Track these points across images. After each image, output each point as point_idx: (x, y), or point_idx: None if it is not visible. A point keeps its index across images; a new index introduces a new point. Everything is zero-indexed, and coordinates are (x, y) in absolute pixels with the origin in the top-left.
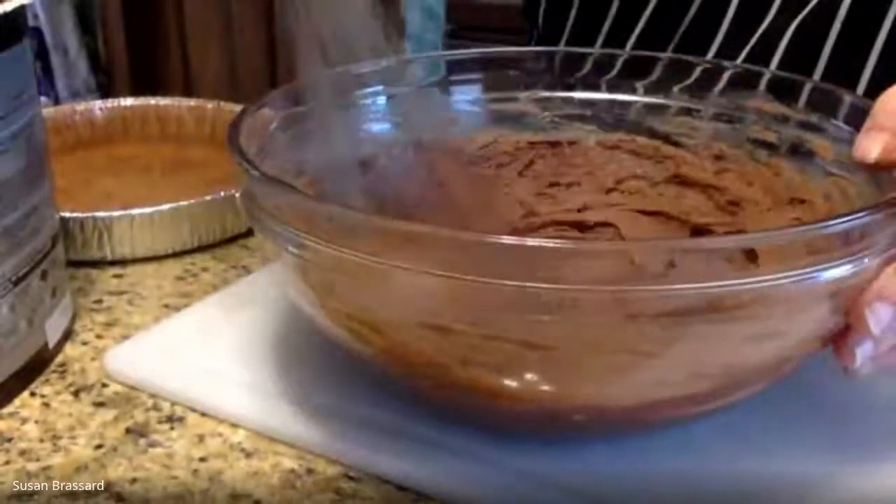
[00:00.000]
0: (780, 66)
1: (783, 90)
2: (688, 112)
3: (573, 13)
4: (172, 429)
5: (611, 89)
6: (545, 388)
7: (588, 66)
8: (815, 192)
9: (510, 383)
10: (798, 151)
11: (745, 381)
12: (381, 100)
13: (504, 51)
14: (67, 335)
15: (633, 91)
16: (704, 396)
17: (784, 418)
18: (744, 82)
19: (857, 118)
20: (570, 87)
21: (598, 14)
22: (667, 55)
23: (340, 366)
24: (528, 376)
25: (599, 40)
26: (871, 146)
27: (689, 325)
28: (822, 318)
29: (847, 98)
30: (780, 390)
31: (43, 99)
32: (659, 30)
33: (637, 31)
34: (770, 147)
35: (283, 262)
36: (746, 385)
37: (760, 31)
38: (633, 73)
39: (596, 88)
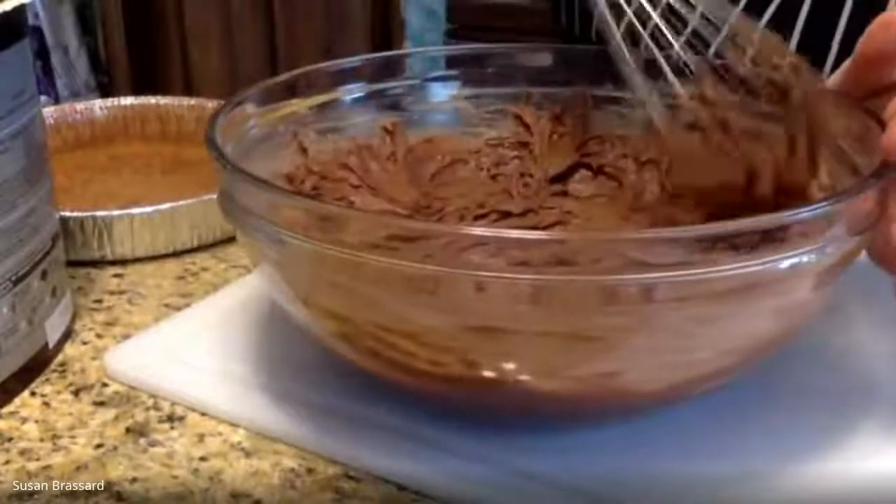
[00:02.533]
0: None
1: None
2: (616, 101)
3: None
4: (172, 428)
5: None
6: (589, 378)
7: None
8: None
9: (543, 378)
10: None
11: (766, 350)
12: (365, 95)
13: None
14: (67, 335)
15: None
16: (729, 370)
17: (772, 406)
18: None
19: None
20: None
21: None
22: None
23: (341, 365)
24: (569, 368)
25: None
26: None
27: (724, 305)
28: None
29: None
30: (767, 382)
31: (43, 98)
32: None
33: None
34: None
35: (265, 261)
36: (765, 354)
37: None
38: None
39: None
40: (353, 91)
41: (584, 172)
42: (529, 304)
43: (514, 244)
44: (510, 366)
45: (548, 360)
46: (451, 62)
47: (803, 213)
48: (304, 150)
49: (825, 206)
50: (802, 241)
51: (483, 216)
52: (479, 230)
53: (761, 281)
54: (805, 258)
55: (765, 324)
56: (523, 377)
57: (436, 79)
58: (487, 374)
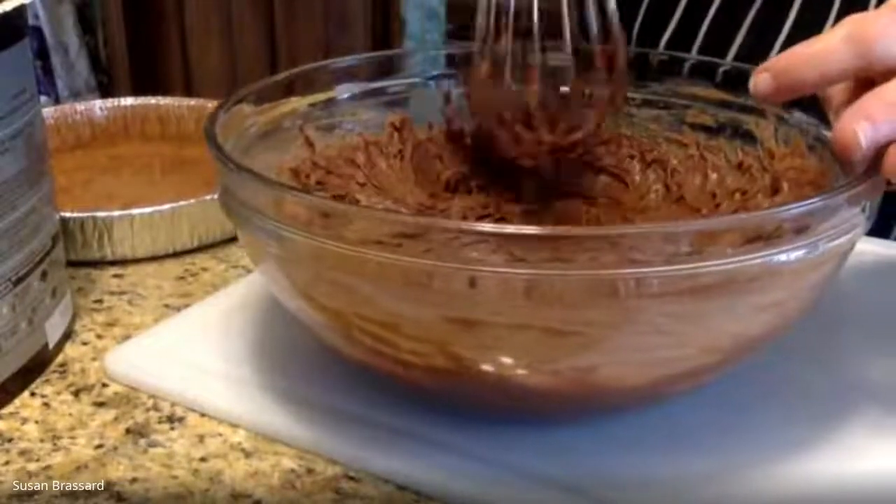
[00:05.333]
0: None
1: (731, 78)
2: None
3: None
4: (172, 429)
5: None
6: (566, 372)
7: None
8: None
9: (522, 371)
10: (737, 132)
11: (749, 349)
12: (363, 93)
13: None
14: (67, 335)
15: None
16: (712, 368)
17: (764, 404)
18: (692, 71)
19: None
20: None
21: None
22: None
23: (341, 366)
24: (544, 363)
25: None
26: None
27: (708, 301)
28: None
29: None
30: (759, 378)
31: (43, 98)
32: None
33: (669, 31)
34: (708, 130)
35: (264, 256)
36: (748, 353)
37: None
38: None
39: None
40: (351, 89)
41: (588, 173)
42: (510, 297)
43: (492, 237)
44: (489, 358)
45: (526, 353)
46: (452, 60)
47: (792, 209)
48: (310, 145)
49: (815, 202)
50: (793, 238)
51: (486, 216)
52: (464, 224)
53: (743, 277)
54: (793, 255)
55: (748, 322)
56: (502, 370)
57: (438, 77)
58: (467, 366)
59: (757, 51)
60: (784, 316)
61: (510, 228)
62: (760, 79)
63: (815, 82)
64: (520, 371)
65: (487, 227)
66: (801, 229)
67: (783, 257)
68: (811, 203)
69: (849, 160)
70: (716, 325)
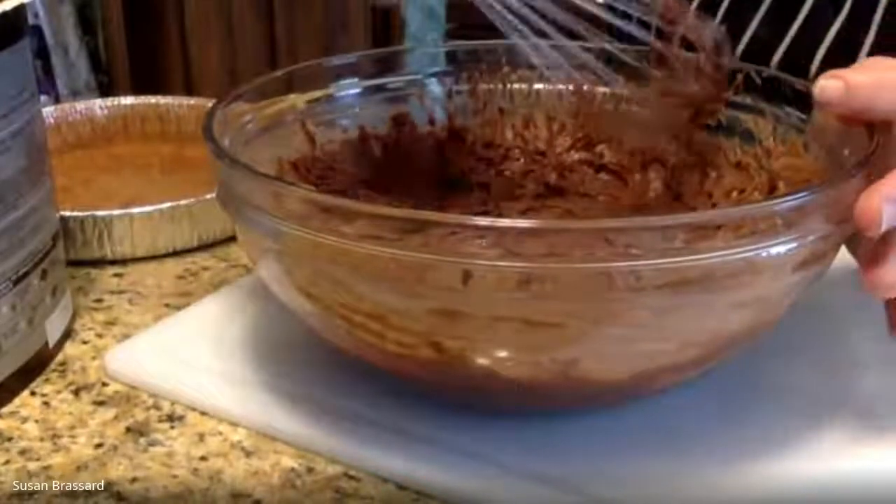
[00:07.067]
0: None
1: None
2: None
3: None
4: (172, 428)
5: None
6: (548, 364)
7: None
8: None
9: (507, 363)
10: (737, 131)
11: (728, 346)
12: (362, 90)
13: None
14: (68, 334)
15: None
16: (693, 363)
17: (754, 401)
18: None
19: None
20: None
21: None
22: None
23: (341, 365)
24: (525, 355)
25: None
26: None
27: (684, 296)
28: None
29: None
30: (751, 375)
31: (43, 98)
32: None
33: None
34: (708, 128)
35: (265, 254)
36: (727, 351)
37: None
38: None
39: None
40: (350, 86)
41: (588, 171)
42: (504, 291)
43: (488, 231)
44: (471, 349)
45: (508, 345)
46: (451, 58)
47: (777, 204)
48: (311, 140)
49: (801, 197)
50: (781, 232)
51: (485, 213)
52: (461, 218)
53: (727, 272)
54: (780, 249)
55: (729, 317)
56: (485, 362)
57: (438, 74)
58: (452, 357)
59: (799, 57)
60: (765, 313)
61: (504, 222)
62: (831, 85)
63: (889, 111)
64: (501, 363)
65: (483, 220)
66: (788, 224)
67: (769, 251)
68: (797, 198)
69: (862, 232)
70: (696, 320)
